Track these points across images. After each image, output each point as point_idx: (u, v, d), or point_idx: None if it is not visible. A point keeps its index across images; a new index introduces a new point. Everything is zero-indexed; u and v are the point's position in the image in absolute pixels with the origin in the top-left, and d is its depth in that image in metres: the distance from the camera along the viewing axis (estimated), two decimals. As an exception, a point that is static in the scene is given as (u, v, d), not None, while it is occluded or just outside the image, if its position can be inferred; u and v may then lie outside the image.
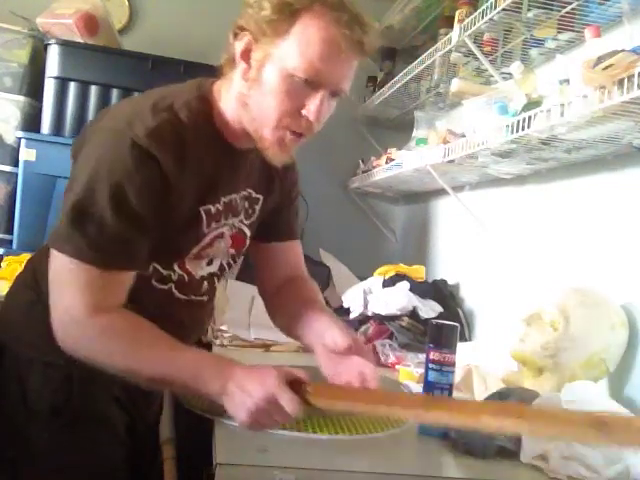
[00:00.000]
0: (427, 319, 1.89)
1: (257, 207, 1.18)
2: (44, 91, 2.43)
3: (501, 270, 1.94)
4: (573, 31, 1.56)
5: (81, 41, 2.48)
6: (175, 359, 0.98)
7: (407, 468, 1.06)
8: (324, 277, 2.47)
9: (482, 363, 1.50)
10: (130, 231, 0.98)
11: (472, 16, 1.73)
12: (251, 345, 1.85)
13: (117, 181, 0.96)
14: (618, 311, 1.32)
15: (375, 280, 2.18)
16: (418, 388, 1.27)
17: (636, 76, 1.06)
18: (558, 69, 1.38)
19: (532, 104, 1.39)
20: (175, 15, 2.86)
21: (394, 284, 2.09)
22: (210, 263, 1.14)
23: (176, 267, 1.10)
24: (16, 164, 2.44)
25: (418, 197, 2.78)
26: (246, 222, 1.17)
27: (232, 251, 1.18)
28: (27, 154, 2.36)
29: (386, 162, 2.43)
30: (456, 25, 1.86)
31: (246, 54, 1.00)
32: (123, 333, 0.99)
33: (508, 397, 1.13)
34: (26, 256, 2.22)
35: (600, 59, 1.14)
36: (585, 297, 1.33)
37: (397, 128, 2.88)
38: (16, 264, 2.22)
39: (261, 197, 1.18)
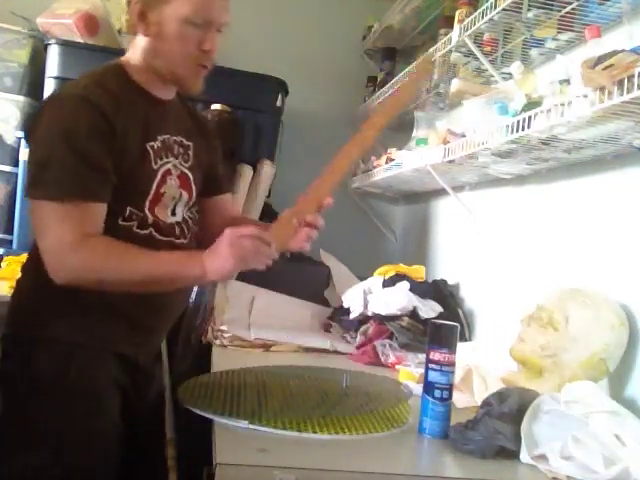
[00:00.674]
0: (427, 319, 1.89)
1: (190, 153, 1.35)
2: (44, 91, 2.43)
3: (501, 270, 1.94)
4: (573, 31, 1.56)
5: (81, 41, 2.48)
6: (158, 259, 1.16)
7: (407, 468, 1.06)
8: (324, 277, 2.47)
9: (482, 363, 1.50)
10: (88, 166, 1.13)
11: (472, 16, 1.73)
12: (251, 345, 1.85)
13: (67, 128, 1.14)
14: (618, 311, 1.32)
15: (375, 280, 2.18)
16: (418, 388, 1.27)
17: (636, 76, 1.06)
18: (558, 69, 1.38)
19: (532, 104, 1.39)
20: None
21: (394, 284, 2.09)
22: (174, 214, 1.30)
23: (147, 211, 1.24)
24: (16, 164, 2.44)
25: (418, 197, 2.78)
26: (185, 165, 1.33)
27: (184, 193, 1.32)
28: (27, 154, 2.36)
29: (386, 162, 2.43)
30: (456, 25, 1.86)
31: (142, 16, 1.21)
32: (111, 249, 1.15)
33: (508, 397, 1.13)
34: (26, 256, 2.25)
35: (600, 59, 1.14)
36: (585, 297, 1.33)
37: (397, 128, 2.88)
38: (16, 264, 2.22)
39: (191, 144, 1.35)
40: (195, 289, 1.97)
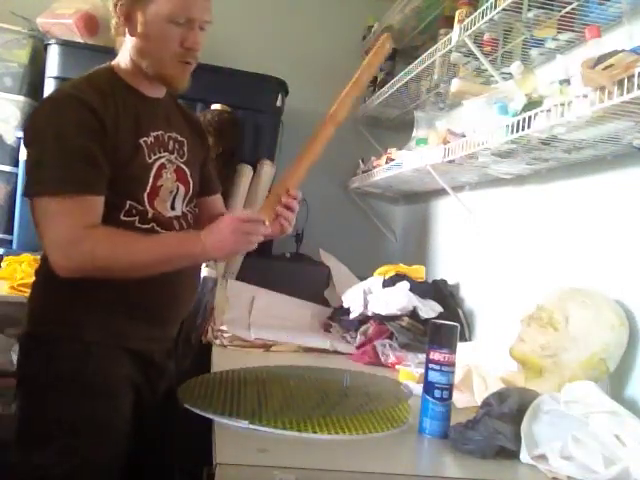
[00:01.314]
0: (427, 319, 1.89)
1: (185, 149, 1.38)
2: (44, 91, 2.43)
3: (501, 270, 1.94)
4: (573, 31, 1.56)
5: (81, 41, 2.48)
6: (159, 241, 1.23)
7: (407, 468, 1.06)
8: (324, 277, 2.47)
9: (482, 363, 1.50)
10: (81, 161, 1.17)
11: (472, 16, 1.73)
12: (251, 345, 1.85)
13: (58, 126, 1.18)
14: (618, 311, 1.32)
15: (375, 280, 2.18)
16: (418, 388, 1.27)
17: (636, 76, 1.06)
18: (558, 69, 1.38)
19: (532, 104, 1.39)
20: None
21: (394, 284, 2.09)
22: (173, 207, 1.33)
23: (147, 205, 1.27)
24: (16, 164, 2.44)
25: (418, 197, 2.78)
26: (181, 160, 1.37)
27: (181, 187, 1.35)
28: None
29: (386, 162, 2.43)
30: (456, 25, 1.86)
31: (128, 17, 1.26)
32: (113, 237, 1.18)
33: (508, 397, 1.13)
34: (26, 256, 2.25)
35: (600, 59, 1.14)
36: (585, 297, 1.33)
37: (397, 128, 2.88)
38: (16, 264, 2.23)
39: (185, 140, 1.39)
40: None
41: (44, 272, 1.29)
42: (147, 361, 1.32)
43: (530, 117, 1.36)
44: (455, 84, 1.89)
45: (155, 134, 1.31)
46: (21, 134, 2.36)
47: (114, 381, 1.25)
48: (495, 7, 1.58)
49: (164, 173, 1.30)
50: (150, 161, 1.28)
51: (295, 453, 1.01)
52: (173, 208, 1.33)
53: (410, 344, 1.87)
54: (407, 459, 1.12)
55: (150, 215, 1.27)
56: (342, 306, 2.19)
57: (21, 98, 2.48)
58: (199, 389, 1.28)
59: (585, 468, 1.00)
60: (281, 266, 2.49)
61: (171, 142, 1.35)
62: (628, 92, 1.07)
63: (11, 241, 2.45)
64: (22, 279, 2.11)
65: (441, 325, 1.18)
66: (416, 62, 2.20)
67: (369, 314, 2.03)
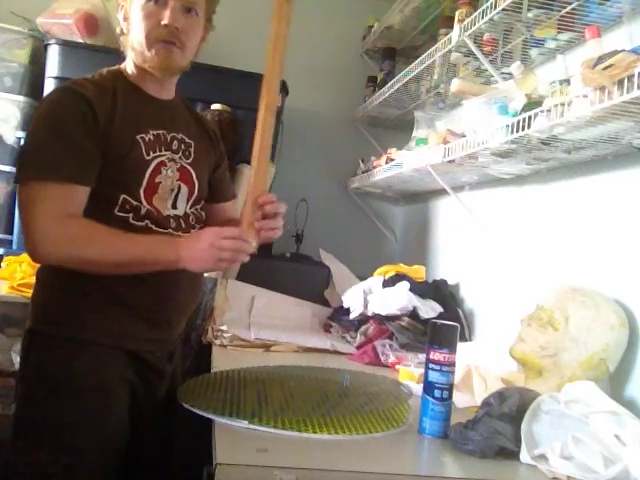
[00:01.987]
0: (427, 319, 1.89)
1: (192, 150, 1.38)
2: (44, 91, 2.42)
3: (501, 270, 1.94)
4: (573, 31, 1.56)
5: (81, 41, 2.48)
6: (135, 240, 1.20)
7: (407, 468, 1.06)
8: (324, 277, 2.47)
9: (482, 363, 1.50)
10: (69, 149, 1.18)
11: (472, 16, 1.73)
12: (251, 345, 1.85)
13: (51, 115, 1.20)
14: (618, 311, 1.32)
15: (375, 280, 2.18)
16: (418, 388, 1.27)
17: (636, 76, 1.06)
18: (558, 69, 1.38)
19: (532, 104, 1.39)
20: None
21: (394, 284, 2.09)
22: (175, 207, 1.33)
23: (144, 201, 1.26)
24: (16, 164, 2.44)
25: (418, 197, 2.79)
26: (187, 160, 1.37)
27: (183, 187, 1.35)
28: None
29: (386, 162, 2.43)
30: (456, 25, 1.86)
31: (125, 17, 1.30)
32: (92, 229, 1.17)
33: (508, 397, 1.13)
34: (26, 256, 2.25)
35: (600, 59, 1.14)
36: (585, 297, 1.33)
37: (397, 128, 2.88)
38: (16, 264, 2.23)
39: (193, 142, 1.39)
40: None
41: (44, 272, 1.29)
42: (145, 362, 1.31)
43: (530, 117, 1.36)
44: (455, 84, 1.89)
45: (156, 132, 1.31)
46: (21, 134, 2.39)
47: (108, 381, 1.24)
48: (495, 7, 1.58)
49: (163, 171, 1.30)
50: (148, 158, 1.28)
51: (295, 453, 1.01)
52: (175, 207, 1.33)
53: (410, 344, 1.88)
54: (407, 459, 1.12)
55: (144, 212, 1.26)
56: (342, 306, 2.19)
57: (21, 98, 2.48)
58: (199, 389, 1.28)
59: (585, 468, 1.00)
60: (281, 266, 2.49)
61: (175, 142, 1.35)
62: (628, 92, 1.07)
63: (11, 241, 2.44)
64: (22, 279, 2.11)
65: (441, 325, 1.18)
66: (416, 62, 2.20)
67: (369, 314, 2.03)
